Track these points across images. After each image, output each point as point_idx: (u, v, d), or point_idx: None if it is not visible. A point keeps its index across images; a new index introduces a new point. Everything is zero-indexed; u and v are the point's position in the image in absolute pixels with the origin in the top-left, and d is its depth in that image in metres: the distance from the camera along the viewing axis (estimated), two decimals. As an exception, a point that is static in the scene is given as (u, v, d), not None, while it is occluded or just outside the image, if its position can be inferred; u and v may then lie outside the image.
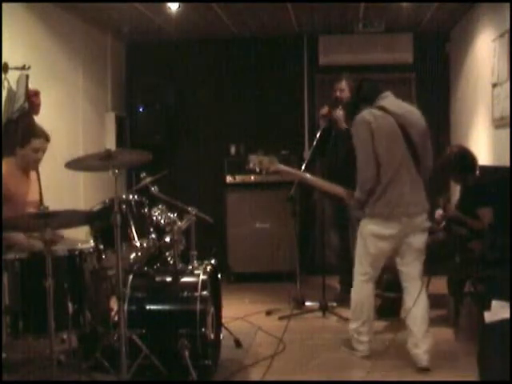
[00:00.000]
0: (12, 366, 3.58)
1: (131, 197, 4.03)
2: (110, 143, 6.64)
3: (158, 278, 4.01)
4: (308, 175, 4.41)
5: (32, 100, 4.73)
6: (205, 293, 3.77)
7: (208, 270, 3.92)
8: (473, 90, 6.14)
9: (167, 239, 4.11)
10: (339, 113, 5.40)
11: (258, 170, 4.25)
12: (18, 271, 3.40)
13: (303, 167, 4.95)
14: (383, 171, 3.88)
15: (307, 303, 5.43)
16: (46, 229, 3.28)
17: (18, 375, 3.60)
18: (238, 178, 6.77)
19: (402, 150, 3.88)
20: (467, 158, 4.87)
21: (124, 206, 3.91)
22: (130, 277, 3.89)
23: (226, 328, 4.43)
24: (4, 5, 4.56)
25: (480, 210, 4.68)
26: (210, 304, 3.89)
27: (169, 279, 3.95)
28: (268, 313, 5.32)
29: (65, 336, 3.71)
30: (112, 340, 3.60)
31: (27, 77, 4.67)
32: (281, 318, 5.12)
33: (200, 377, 3.62)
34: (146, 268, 4.06)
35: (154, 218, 4.15)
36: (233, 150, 7.07)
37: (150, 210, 4.13)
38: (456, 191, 5.64)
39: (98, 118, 6.63)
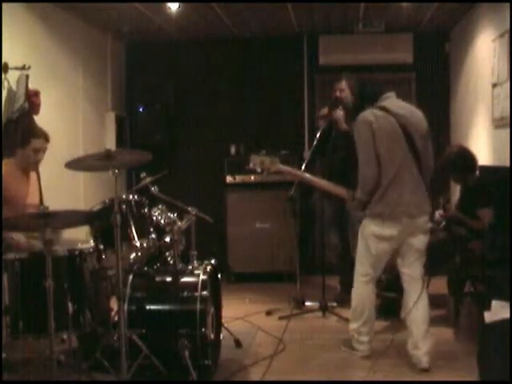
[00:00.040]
0: (12, 366, 3.58)
1: (131, 197, 4.03)
2: (110, 143, 6.64)
3: (158, 278, 4.01)
4: (309, 175, 4.42)
5: (32, 100, 4.73)
6: (205, 293, 3.77)
7: (208, 269, 3.92)
8: (473, 89, 6.14)
9: (167, 239, 4.11)
10: (339, 113, 5.40)
11: (259, 170, 4.25)
12: (17, 271, 3.39)
13: (303, 167, 4.95)
14: (384, 171, 3.88)
15: (307, 303, 5.43)
16: (45, 229, 3.29)
17: (18, 375, 3.60)
18: (238, 178, 6.77)
19: (403, 150, 3.88)
20: (467, 158, 4.87)
21: (124, 206, 3.91)
22: (130, 277, 3.88)
23: (226, 328, 4.43)
24: (4, 5, 4.56)
25: (480, 210, 4.68)
26: (210, 304, 3.89)
27: (169, 279, 3.95)
28: (268, 313, 5.32)
29: (65, 336, 3.71)
30: (112, 340, 3.59)
31: (27, 77, 4.67)
32: (281, 318, 5.12)
33: (200, 377, 3.62)
34: (146, 268, 4.06)
35: (154, 218, 4.15)
36: (233, 150, 7.07)
37: (150, 210, 4.13)
38: (456, 191, 5.64)
39: (98, 118, 6.63)
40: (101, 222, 3.81)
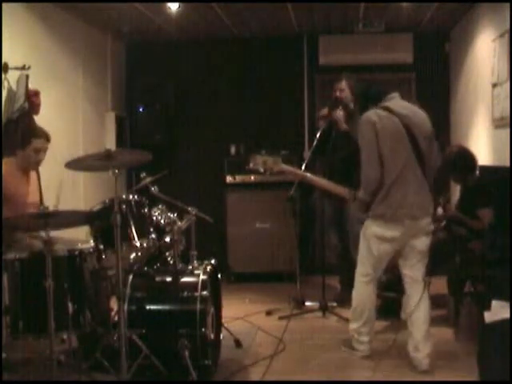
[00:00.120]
0: (12, 366, 3.58)
1: (131, 197, 4.03)
2: (110, 143, 6.64)
3: (158, 278, 4.01)
4: (311, 175, 4.42)
5: (32, 100, 4.73)
6: (205, 293, 3.77)
7: (208, 269, 3.92)
8: (473, 89, 6.14)
9: (167, 239, 4.11)
10: (339, 113, 5.40)
11: (261, 170, 4.26)
12: (18, 271, 3.39)
13: (303, 167, 4.95)
14: (387, 172, 3.86)
15: (307, 303, 5.43)
16: (46, 229, 3.29)
17: (18, 375, 3.60)
18: (238, 178, 6.77)
19: (406, 150, 3.86)
20: (467, 158, 4.87)
21: (124, 206, 3.92)
22: (130, 277, 3.88)
23: (226, 328, 4.43)
24: (4, 5, 4.56)
25: (480, 211, 4.68)
26: (210, 304, 3.89)
27: (169, 279, 3.95)
28: (268, 313, 5.32)
29: (65, 336, 3.71)
30: (112, 340, 3.59)
31: (27, 77, 4.67)
32: (281, 318, 5.12)
33: (200, 377, 3.62)
34: (146, 268, 4.06)
35: (154, 218, 4.15)
36: (233, 150, 7.07)
37: (150, 210, 4.13)
38: (456, 191, 5.64)
39: (98, 118, 6.63)
40: (101, 221, 3.81)
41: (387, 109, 3.92)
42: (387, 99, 3.99)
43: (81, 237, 4.08)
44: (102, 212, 3.84)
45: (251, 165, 4.26)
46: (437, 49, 7.10)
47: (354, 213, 5.15)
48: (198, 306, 3.72)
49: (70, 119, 5.99)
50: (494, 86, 5.28)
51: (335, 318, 5.10)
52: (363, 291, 4.10)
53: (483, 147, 5.69)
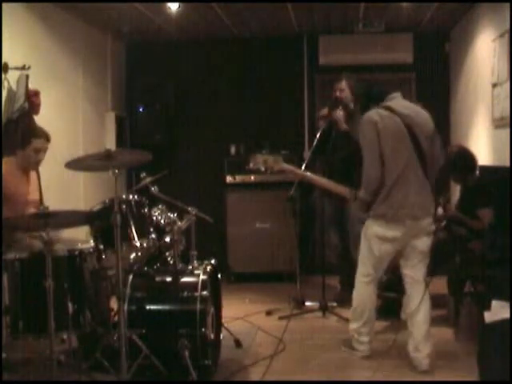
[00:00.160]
0: (12, 366, 3.59)
1: (131, 197, 4.03)
2: (110, 143, 6.64)
3: (158, 278, 4.01)
4: (312, 174, 4.42)
5: (32, 100, 4.73)
6: (205, 293, 3.77)
7: (208, 269, 3.92)
8: (473, 89, 6.14)
9: (167, 239, 4.11)
10: (339, 113, 5.40)
11: (262, 168, 4.25)
12: (18, 271, 3.40)
13: (303, 167, 4.95)
14: (388, 172, 3.85)
15: (307, 303, 5.43)
16: (46, 229, 3.29)
17: (18, 375, 3.60)
18: (238, 178, 6.77)
19: (408, 150, 3.85)
20: (467, 158, 4.87)
21: (124, 206, 3.92)
22: (130, 277, 3.88)
23: (226, 328, 4.43)
24: (4, 5, 4.56)
25: (480, 211, 4.68)
26: (210, 304, 3.89)
27: (169, 279, 3.95)
28: (268, 313, 5.32)
29: (65, 336, 3.71)
30: (112, 340, 3.60)
31: (27, 77, 4.67)
32: (281, 318, 5.12)
33: (200, 377, 3.62)
34: (146, 268, 4.06)
35: (154, 218, 4.15)
36: (233, 150, 7.07)
37: (150, 210, 4.13)
38: (456, 191, 5.64)
39: (98, 118, 6.63)
40: (101, 221, 3.81)
41: (389, 108, 3.91)
42: (389, 99, 3.99)
43: (81, 237, 4.08)
44: (101, 212, 3.84)
45: (251, 165, 4.26)
46: (437, 49, 7.10)
47: (354, 212, 5.15)
48: (198, 306, 3.72)
49: (70, 119, 5.99)
50: (494, 85, 5.28)
51: (335, 317, 5.10)
52: (364, 291, 4.10)
53: (483, 147, 5.69)
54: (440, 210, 4.90)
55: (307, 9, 6.05)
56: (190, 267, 4.00)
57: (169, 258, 4.18)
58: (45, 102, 4.91)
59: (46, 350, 3.30)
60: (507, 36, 4.86)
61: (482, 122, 5.80)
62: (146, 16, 6.02)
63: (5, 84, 4.63)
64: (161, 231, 4.12)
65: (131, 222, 3.95)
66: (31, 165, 4.13)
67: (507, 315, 3.26)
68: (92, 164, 3.61)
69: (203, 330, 3.69)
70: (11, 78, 4.66)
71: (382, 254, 3.99)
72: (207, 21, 6.35)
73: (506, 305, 3.29)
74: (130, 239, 3.92)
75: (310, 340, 4.64)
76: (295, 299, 5.44)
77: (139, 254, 3.96)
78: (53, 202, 3.70)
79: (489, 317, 3.34)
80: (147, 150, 3.75)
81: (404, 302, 4.16)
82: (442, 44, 7.09)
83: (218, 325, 4.17)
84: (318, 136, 5.24)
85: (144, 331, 3.66)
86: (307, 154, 5.49)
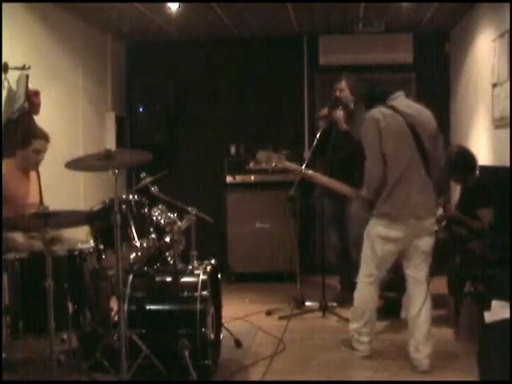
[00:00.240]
0: (12, 366, 3.59)
1: (131, 197, 4.03)
2: (110, 143, 6.64)
3: (158, 278, 4.01)
4: (314, 173, 4.42)
5: (32, 100, 4.73)
6: (205, 293, 3.77)
7: (208, 269, 3.92)
8: (473, 89, 6.14)
9: (167, 239, 4.11)
10: (339, 113, 5.40)
11: (264, 166, 4.25)
12: (18, 271, 3.39)
13: (303, 167, 4.95)
14: (391, 171, 3.85)
15: (307, 303, 5.43)
16: (46, 229, 3.29)
17: (18, 375, 3.60)
18: (238, 178, 6.77)
19: (410, 149, 3.85)
20: (467, 158, 4.87)
21: (124, 206, 3.91)
22: (130, 277, 3.88)
23: (226, 328, 4.43)
24: (4, 5, 4.56)
25: (480, 211, 4.68)
26: (210, 304, 3.89)
27: (169, 279, 3.95)
28: (268, 313, 5.32)
29: (65, 336, 3.71)
30: (112, 340, 3.59)
31: (27, 77, 4.67)
32: (281, 318, 5.12)
33: (200, 377, 3.62)
34: (146, 268, 4.06)
35: (154, 218, 4.15)
36: (233, 150, 7.07)
37: (150, 210, 4.13)
38: (456, 191, 5.64)
39: (98, 118, 6.63)
40: (101, 221, 3.81)
41: (392, 107, 3.91)
42: (392, 98, 3.99)
43: (81, 237, 4.08)
44: (101, 212, 3.84)
45: (251, 165, 4.26)
46: (437, 49, 7.10)
47: (354, 212, 5.15)
48: (198, 306, 3.72)
49: (70, 119, 5.99)
50: (494, 85, 5.28)
51: (335, 317, 5.10)
52: (365, 292, 4.09)
53: (483, 147, 5.69)
54: (440, 210, 4.90)
55: (307, 9, 6.05)
56: (190, 267, 4.00)
57: (169, 258, 4.18)
58: (45, 102, 4.91)
59: (46, 350, 3.29)
60: (507, 36, 4.86)
61: (482, 122, 5.80)
62: (145, 16, 6.02)
63: (5, 84, 4.63)
64: (161, 231, 4.12)
65: (131, 222, 3.95)
66: (31, 165, 4.13)
67: (507, 315, 3.26)
68: (92, 164, 3.61)
69: (203, 330, 3.69)
70: (11, 78, 4.66)
71: (385, 254, 3.98)
72: (207, 21, 6.35)
73: (506, 305, 3.30)
74: (130, 239, 3.92)
75: (309, 340, 4.64)
76: (295, 299, 5.44)
77: (139, 254, 3.96)
78: (53, 202, 3.69)
79: (489, 317, 3.35)
80: (147, 150, 3.75)
81: (404, 301, 4.16)
82: (442, 44, 7.09)
83: (218, 325, 4.18)
84: (317, 136, 5.24)
85: (144, 331, 3.66)
86: (307, 153, 5.49)
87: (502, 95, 5.06)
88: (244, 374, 3.94)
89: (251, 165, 6.42)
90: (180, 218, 4.31)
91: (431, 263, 4.05)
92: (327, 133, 5.28)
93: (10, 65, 4.65)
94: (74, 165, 3.59)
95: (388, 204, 3.87)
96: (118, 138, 6.81)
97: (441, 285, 4.98)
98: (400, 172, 3.84)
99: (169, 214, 4.26)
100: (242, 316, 5.18)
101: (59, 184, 5.21)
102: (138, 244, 3.94)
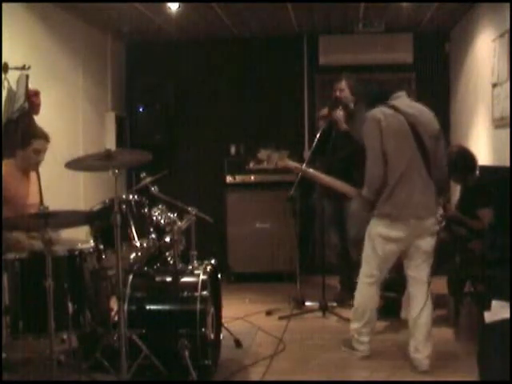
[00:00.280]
0: (12, 366, 3.58)
1: (131, 197, 4.03)
2: (110, 143, 6.64)
3: (158, 278, 4.01)
4: (316, 172, 4.42)
5: (32, 100, 4.73)
6: (205, 293, 3.77)
7: (208, 270, 3.92)
8: (473, 89, 6.14)
9: (167, 239, 4.11)
10: (339, 113, 5.40)
11: (266, 165, 4.24)
12: (18, 271, 3.39)
13: (304, 165, 4.95)
14: (391, 170, 3.84)
15: (307, 303, 5.43)
16: (46, 229, 3.29)
17: (18, 375, 3.60)
18: (238, 178, 6.77)
19: (411, 149, 3.84)
20: (467, 158, 4.87)
21: (124, 206, 3.91)
22: (130, 277, 3.88)
23: (226, 328, 4.43)
24: (4, 5, 4.56)
25: (480, 211, 4.68)
26: (210, 304, 3.89)
27: (169, 279, 3.95)
28: (268, 313, 5.32)
29: (65, 336, 3.71)
30: (112, 340, 3.59)
31: (27, 77, 4.67)
32: (281, 318, 5.12)
33: (200, 377, 3.62)
34: (146, 268, 4.06)
35: (154, 218, 4.15)
36: (233, 150, 7.07)
37: (150, 210, 4.13)
38: (456, 191, 5.64)
39: (98, 118, 6.63)
40: (101, 222, 3.81)
41: (393, 107, 3.91)
42: (394, 98, 3.99)
43: (81, 237, 4.08)
44: (102, 212, 3.84)
45: (251, 164, 4.26)
46: (437, 49, 7.10)
47: (353, 212, 5.15)
48: (198, 306, 3.72)
49: (70, 119, 5.99)
50: (494, 85, 5.28)
51: (335, 317, 5.10)
52: (366, 292, 4.09)
53: (483, 147, 5.69)
54: (440, 210, 4.90)
55: (307, 9, 6.05)
56: (190, 267, 4.00)
57: (169, 258, 4.18)
58: (45, 102, 4.91)
59: (46, 349, 3.29)
60: (507, 36, 4.86)
61: (482, 122, 5.80)
62: (146, 16, 6.01)
63: (5, 84, 4.63)
64: (161, 231, 4.12)
65: (131, 222, 3.95)
66: (31, 165, 4.13)
67: (507, 315, 3.26)
68: (92, 164, 3.61)
69: (203, 330, 3.69)
70: (11, 78, 4.66)
71: (387, 254, 3.98)
72: (207, 21, 6.35)
73: (506, 305, 3.30)
74: (130, 239, 3.92)
75: (310, 340, 4.64)
76: (295, 299, 5.44)
77: (139, 253, 3.96)
78: (53, 202, 3.69)
79: (489, 317, 3.34)
80: (147, 150, 3.75)
81: (404, 301, 4.16)
82: (442, 44, 7.09)
83: (218, 325, 4.17)
84: (318, 136, 5.24)
85: (144, 331, 3.66)
86: (307, 153, 5.49)
87: (502, 95, 5.06)
88: (244, 374, 3.94)
89: (251, 165, 6.43)
90: (180, 218, 4.31)
91: (432, 263, 4.05)
92: (327, 133, 5.28)
93: (10, 65, 4.65)
94: (74, 165, 3.59)
95: (389, 204, 3.87)
96: (118, 138, 6.81)
97: (441, 285, 4.97)
98: (401, 172, 3.83)
99: (169, 214, 4.26)
100: (242, 316, 5.18)
101: (59, 184, 5.22)
102: (137, 244, 3.94)
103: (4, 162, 4.08)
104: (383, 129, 3.84)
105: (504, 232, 4.24)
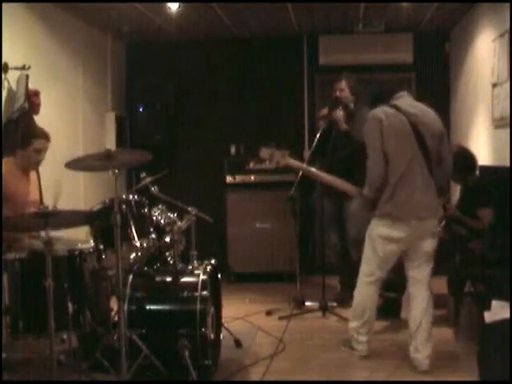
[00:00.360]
0: (12, 366, 3.58)
1: (131, 197, 4.03)
2: (110, 143, 6.64)
3: (158, 278, 4.01)
4: (317, 171, 4.41)
5: (32, 100, 4.73)
6: (205, 293, 3.77)
7: (208, 270, 3.92)
8: (473, 89, 6.14)
9: (167, 239, 4.11)
10: (339, 113, 5.40)
11: (267, 164, 4.24)
12: (18, 271, 3.39)
13: (304, 164, 4.95)
14: (392, 170, 3.83)
15: (307, 303, 5.43)
16: (46, 229, 3.29)
17: (18, 375, 3.60)
18: (238, 178, 6.77)
19: (412, 149, 3.83)
20: (467, 158, 4.87)
21: (124, 206, 3.91)
22: (130, 277, 3.88)
23: (226, 328, 4.43)
24: (4, 5, 4.56)
25: (480, 211, 4.68)
26: (210, 304, 3.89)
27: (169, 279, 3.95)
28: (268, 313, 5.32)
29: (65, 336, 3.71)
30: (112, 340, 3.59)
31: (27, 77, 4.67)
32: (281, 318, 5.12)
33: (200, 377, 3.62)
34: (146, 268, 4.06)
35: (154, 218, 4.15)
36: (233, 150, 7.07)
37: (150, 210, 4.13)
38: (456, 191, 5.64)
39: (98, 118, 6.63)
40: (101, 222, 3.81)
41: (395, 106, 3.91)
42: (395, 98, 3.98)
43: (81, 237, 4.08)
44: (101, 212, 3.84)
45: (251, 164, 4.26)
46: (437, 49, 7.10)
47: (353, 211, 5.15)
48: (198, 306, 3.72)
49: (70, 119, 5.99)
50: (494, 85, 5.28)
51: (335, 318, 5.10)
52: (365, 291, 4.09)
53: (483, 147, 5.69)
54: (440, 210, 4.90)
55: (307, 9, 6.05)
56: (190, 267, 4.00)
57: (169, 258, 4.18)
58: (45, 102, 4.91)
59: (46, 349, 3.29)
60: (507, 36, 4.86)
61: (482, 122, 5.80)
62: (146, 16, 6.02)
63: (5, 84, 4.63)
64: (161, 231, 4.12)
65: (131, 222, 3.95)
66: (31, 165, 4.13)
67: (507, 315, 3.26)
68: (92, 164, 3.61)
69: (203, 330, 3.69)
70: (11, 78, 4.66)
71: (387, 255, 3.97)
72: (207, 21, 6.35)
73: (506, 305, 3.30)
74: (130, 239, 3.92)
75: (310, 340, 4.64)
76: (295, 299, 5.44)
77: (139, 253, 3.96)
78: (52, 202, 3.69)
79: (489, 317, 3.34)
80: (147, 150, 3.75)
81: (404, 301, 4.16)
82: (442, 44, 7.10)
83: (218, 325, 4.17)
84: (318, 136, 5.24)
85: (144, 331, 3.66)
86: (307, 153, 5.49)
87: (502, 95, 5.06)
88: (244, 374, 3.94)
89: (251, 164, 6.43)
90: (180, 218, 4.31)
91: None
92: (327, 133, 5.28)
93: (10, 65, 4.65)
94: (74, 165, 3.59)
95: (390, 204, 3.86)
96: (118, 138, 6.81)
97: (441, 285, 4.97)
98: (401, 171, 3.83)
99: (169, 214, 4.26)
100: (242, 316, 5.18)
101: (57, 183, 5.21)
102: (138, 244, 3.94)
103: (4, 160, 4.08)
104: (384, 128, 3.83)
105: (504, 232, 4.24)
